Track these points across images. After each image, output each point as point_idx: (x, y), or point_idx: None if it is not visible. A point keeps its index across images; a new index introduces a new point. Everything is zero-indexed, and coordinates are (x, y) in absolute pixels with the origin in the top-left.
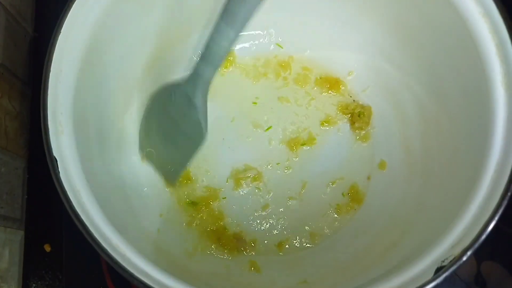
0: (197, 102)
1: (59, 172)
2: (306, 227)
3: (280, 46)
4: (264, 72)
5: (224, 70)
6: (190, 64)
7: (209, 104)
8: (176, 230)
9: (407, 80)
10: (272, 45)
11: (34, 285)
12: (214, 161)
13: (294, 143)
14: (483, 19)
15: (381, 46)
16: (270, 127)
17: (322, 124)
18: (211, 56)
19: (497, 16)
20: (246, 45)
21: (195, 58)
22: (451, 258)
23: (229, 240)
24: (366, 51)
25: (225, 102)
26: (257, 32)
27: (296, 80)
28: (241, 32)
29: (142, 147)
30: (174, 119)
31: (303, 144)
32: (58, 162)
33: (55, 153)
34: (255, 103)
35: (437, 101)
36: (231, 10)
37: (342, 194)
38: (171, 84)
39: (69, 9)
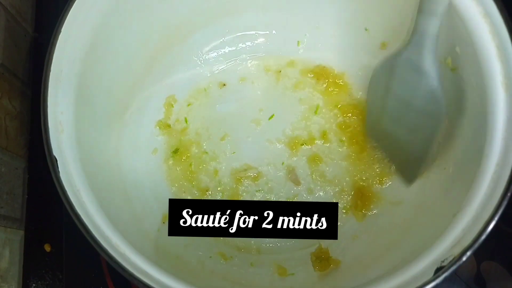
0: (426, 66)
1: (59, 172)
2: None
3: (299, 43)
4: (269, 72)
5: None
6: (189, 64)
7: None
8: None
9: None
10: (275, 45)
11: (34, 285)
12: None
13: (294, 143)
14: (483, 19)
15: (381, 45)
16: (272, 115)
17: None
18: (432, 3)
19: (497, 16)
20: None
21: (195, 59)
22: (451, 258)
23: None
24: (367, 51)
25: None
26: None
27: (298, 81)
28: None
29: (370, 131)
30: (402, 97)
31: (302, 144)
32: (58, 162)
33: (55, 153)
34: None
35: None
36: None
37: (343, 194)
38: (387, 58)
39: (69, 9)
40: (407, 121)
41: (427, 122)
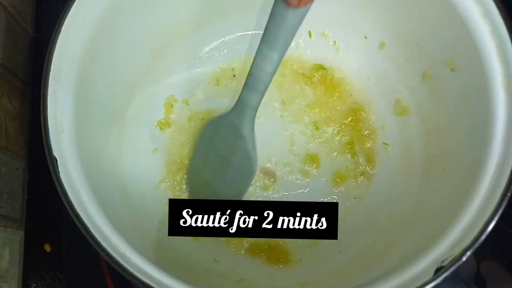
0: (244, 131)
1: (59, 172)
2: None
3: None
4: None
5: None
6: (189, 64)
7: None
8: None
9: (406, 80)
10: None
11: (34, 285)
12: None
13: (292, 140)
14: (483, 19)
15: (381, 45)
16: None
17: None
18: (256, 82)
19: (497, 16)
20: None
21: (195, 59)
22: (451, 258)
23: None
24: (367, 51)
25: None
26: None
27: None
28: (284, 54)
29: (192, 191)
30: (222, 153)
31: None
32: (58, 162)
33: (55, 153)
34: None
35: (437, 102)
36: (272, 33)
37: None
38: (216, 117)
39: (69, 9)
40: (225, 174)
41: (241, 177)
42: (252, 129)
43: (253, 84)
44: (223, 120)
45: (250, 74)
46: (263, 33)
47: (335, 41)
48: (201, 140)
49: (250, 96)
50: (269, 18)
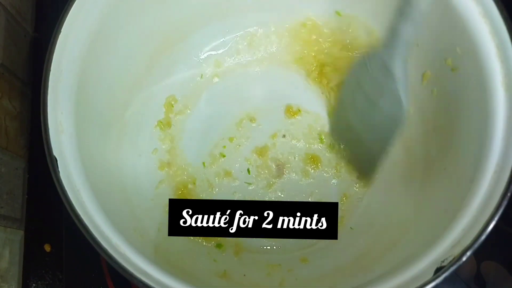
0: (395, 69)
1: (59, 172)
2: None
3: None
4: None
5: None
6: (189, 64)
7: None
8: None
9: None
10: None
11: (34, 285)
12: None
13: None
14: (483, 19)
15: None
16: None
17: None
18: (412, 8)
19: (497, 16)
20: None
21: (195, 59)
22: (451, 258)
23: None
24: (365, 50)
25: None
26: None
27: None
28: None
29: (334, 134)
30: (370, 95)
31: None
32: (58, 162)
33: (55, 153)
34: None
35: (437, 102)
36: None
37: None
38: (365, 54)
39: (69, 9)
40: (371, 119)
41: (388, 123)
42: (405, 68)
43: (404, 10)
44: (372, 58)
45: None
46: None
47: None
48: (348, 79)
49: (404, 26)
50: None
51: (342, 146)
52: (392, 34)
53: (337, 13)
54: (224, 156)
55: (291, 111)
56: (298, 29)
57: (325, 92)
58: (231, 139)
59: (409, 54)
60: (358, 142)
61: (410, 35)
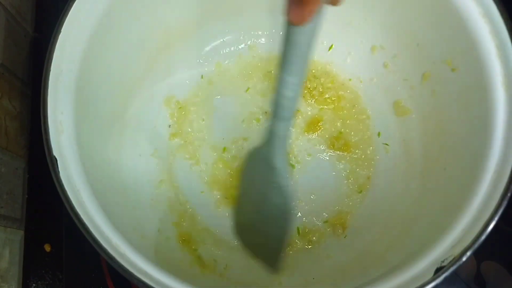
0: (277, 164)
1: (59, 172)
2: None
3: None
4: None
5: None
6: (189, 64)
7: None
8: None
9: (407, 80)
10: (275, 45)
11: (34, 285)
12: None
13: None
14: (483, 19)
15: (381, 46)
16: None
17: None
18: (282, 110)
19: (497, 17)
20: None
21: (195, 59)
22: (451, 258)
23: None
24: (367, 51)
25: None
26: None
27: None
28: (303, 76)
29: (236, 231)
30: (262, 191)
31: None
32: (58, 162)
33: (55, 153)
34: (261, 108)
35: (437, 102)
36: (286, 57)
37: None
38: (252, 150)
39: (69, 9)
40: (266, 213)
41: (281, 214)
42: (285, 161)
43: (278, 113)
44: (257, 154)
45: (274, 103)
46: (280, 59)
47: (334, 41)
48: (242, 175)
49: (278, 125)
50: (282, 42)
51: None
52: (270, 133)
53: None
54: (224, 156)
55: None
56: None
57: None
58: (231, 139)
59: (286, 147)
60: (260, 238)
61: (285, 132)
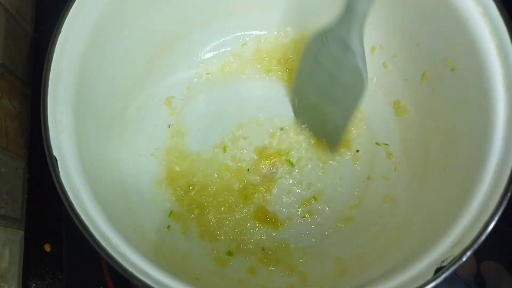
0: (353, 43)
1: (59, 172)
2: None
3: None
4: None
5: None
6: (189, 64)
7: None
8: (176, 229)
9: (407, 80)
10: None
11: (34, 285)
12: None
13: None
14: (483, 19)
15: (381, 46)
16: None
17: None
18: None
19: (497, 16)
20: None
21: (195, 59)
22: (451, 258)
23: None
24: (366, 51)
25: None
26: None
27: None
28: None
29: (297, 112)
30: (329, 70)
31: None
32: (58, 162)
33: (55, 153)
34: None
35: (437, 102)
36: None
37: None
38: (322, 31)
39: (69, 9)
40: (332, 93)
41: (349, 95)
42: (362, 41)
43: None
44: (329, 33)
45: None
46: None
47: None
48: (306, 56)
49: (358, 2)
50: None
51: (304, 126)
52: (348, 10)
53: None
54: (225, 156)
55: None
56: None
57: None
58: (231, 139)
59: (364, 28)
60: (322, 117)
61: (365, 9)
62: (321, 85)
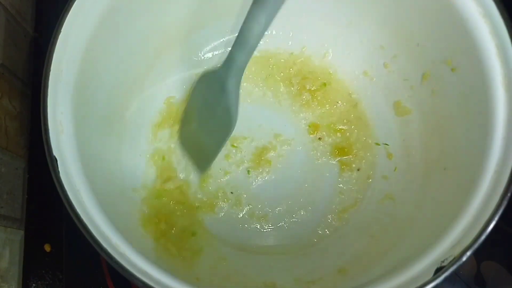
0: (229, 87)
1: (59, 172)
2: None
3: None
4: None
5: None
6: (189, 64)
7: None
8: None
9: (407, 80)
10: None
11: (34, 285)
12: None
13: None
14: (483, 19)
15: (381, 46)
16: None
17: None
18: (244, 41)
19: (497, 16)
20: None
21: (195, 59)
22: (451, 259)
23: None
24: (367, 51)
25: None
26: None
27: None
28: (273, 17)
29: (180, 132)
30: (210, 104)
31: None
32: (58, 162)
33: (55, 152)
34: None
35: (437, 102)
36: None
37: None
38: (209, 70)
39: (69, 9)
40: (210, 125)
41: (222, 129)
42: (237, 87)
43: (241, 43)
44: (212, 74)
45: (239, 33)
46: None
47: (335, 42)
48: (196, 87)
49: (238, 54)
50: None
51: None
52: (229, 57)
53: None
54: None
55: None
56: None
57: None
58: (231, 139)
59: (241, 76)
60: (199, 143)
61: (243, 61)
62: (203, 115)
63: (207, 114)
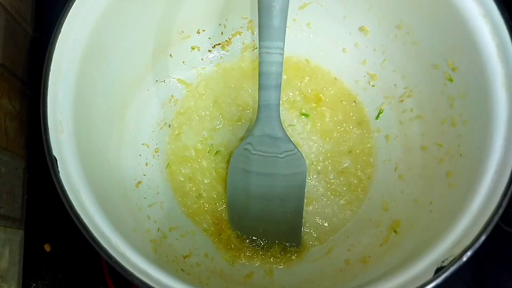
0: (279, 132)
1: (59, 172)
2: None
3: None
4: None
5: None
6: (190, 63)
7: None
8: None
9: (407, 80)
10: None
11: (34, 285)
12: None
13: None
14: (483, 19)
15: (381, 47)
16: None
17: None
18: (270, 78)
19: (497, 17)
20: None
21: (195, 59)
22: (451, 259)
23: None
24: (367, 52)
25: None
26: None
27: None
28: (284, 37)
29: (238, 226)
30: (263, 172)
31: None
32: (58, 162)
33: (55, 153)
34: None
35: (437, 102)
36: (266, 25)
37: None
38: (241, 145)
39: (69, 9)
40: (273, 192)
41: (294, 182)
42: (282, 127)
43: (268, 82)
44: (252, 140)
45: (261, 74)
46: (259, 30)
47: (335, 42)
48: (232, 174)
49: (270, 95)
50: (258, 11)
51: (250, 237)
52: (262, 108)
53: None
54: (225, 156)
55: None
56: None
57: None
58: (231, 139)
59: (280, 114)
60: (272, 221)
61: (277, 98)
62: (258, 191)
63: (264, 183)
